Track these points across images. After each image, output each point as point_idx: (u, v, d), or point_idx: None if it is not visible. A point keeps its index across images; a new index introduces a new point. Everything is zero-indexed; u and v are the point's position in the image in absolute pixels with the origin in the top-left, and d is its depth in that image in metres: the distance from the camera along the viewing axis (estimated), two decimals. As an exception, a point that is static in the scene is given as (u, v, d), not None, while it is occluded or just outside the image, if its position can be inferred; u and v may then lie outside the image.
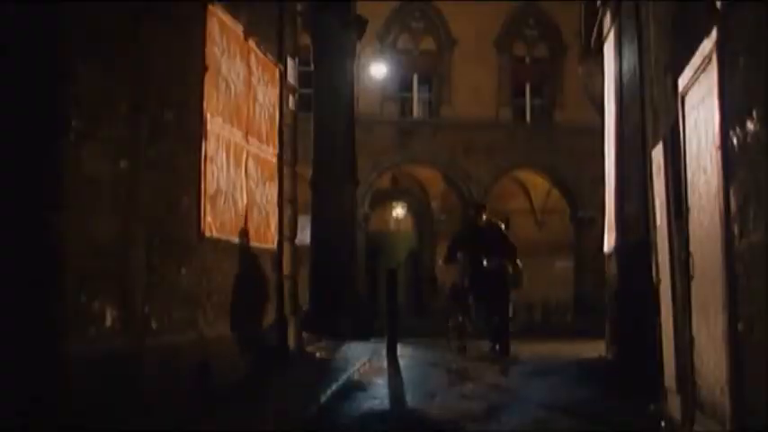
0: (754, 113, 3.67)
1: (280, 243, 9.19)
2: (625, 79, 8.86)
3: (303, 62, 11.86)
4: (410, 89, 25.56)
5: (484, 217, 11.15)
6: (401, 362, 9.87)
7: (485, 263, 10.52)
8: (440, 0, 24.58)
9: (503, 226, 11.50)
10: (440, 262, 14.80)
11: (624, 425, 6.14)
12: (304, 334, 10.55)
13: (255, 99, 8.31)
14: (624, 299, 9.09)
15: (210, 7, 7.05)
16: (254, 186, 8.21)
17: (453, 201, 25.89)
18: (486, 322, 10.71)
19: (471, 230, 11.12)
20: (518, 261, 11.07)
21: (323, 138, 14.87)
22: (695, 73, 4.85)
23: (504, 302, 10.53)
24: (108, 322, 5.12)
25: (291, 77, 9.88)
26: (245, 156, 7.92)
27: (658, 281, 6.63)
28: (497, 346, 10.43)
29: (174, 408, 5.71)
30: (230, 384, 6.89)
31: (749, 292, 3.87)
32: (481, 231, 10.87)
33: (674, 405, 5.91)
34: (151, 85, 5.87)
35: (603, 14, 10.76)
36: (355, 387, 7.69)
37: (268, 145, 8.78)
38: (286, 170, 9.49)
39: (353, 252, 15.99)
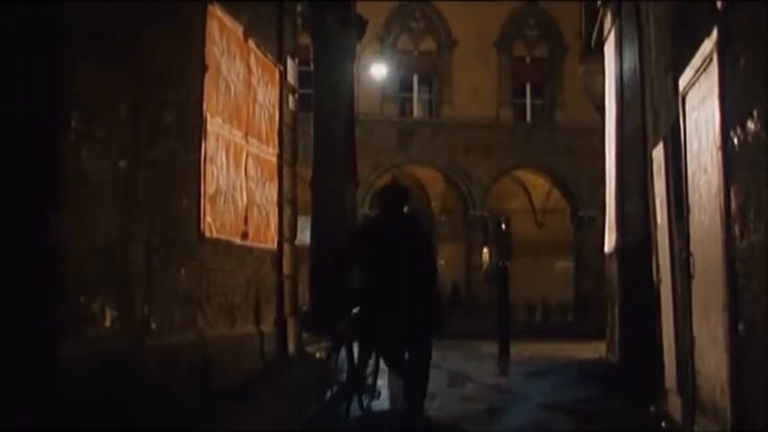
0: (755, 113, 3.67)
1: (279, 243, 9.18)
2: (625, 79, 8.85)
3: (303, 62, 11.85)
4: (410, 89, 25.56)
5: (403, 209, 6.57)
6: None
7: (398, 280, 6.16)
8: (440, 0, 24.58)
9: (422, 225, 6.99)
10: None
11: (624, 425, 6.14)
12: (304, 334, 10.54)
13: (255, 99, 8.31)
14: (625, 299, 9.09)
15: (210, 7, 7.05)
16: (253, 186, 8.21)
17: (453, 201, 25.90)
18: (395, 368, 6.64)
19: (379, 228, 6.52)
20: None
21: (323, 138, 14.86)
22: (696, 73, 4.85)
23: (425, 344, 6.37)
24: (108, 322, 5.12)
25: (291, 77, 9.88)
26: (244, 156, 7.92)
27: (659, 281, 6.63)
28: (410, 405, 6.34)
29: (174, 408, 5.70)
30: (230, 385, 6.88)
31: (750, 292, 3.86)
32: (395, 230, 6.37)
33: (675, 405, 5.91)
34: (151, 85, 5.87)
35: (604, 14, 10.77)
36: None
37: (268, 145, 8.78)
38: (286, 170, 9.49)
39: (353, 252, 15.91)
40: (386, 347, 6.45)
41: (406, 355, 6.39)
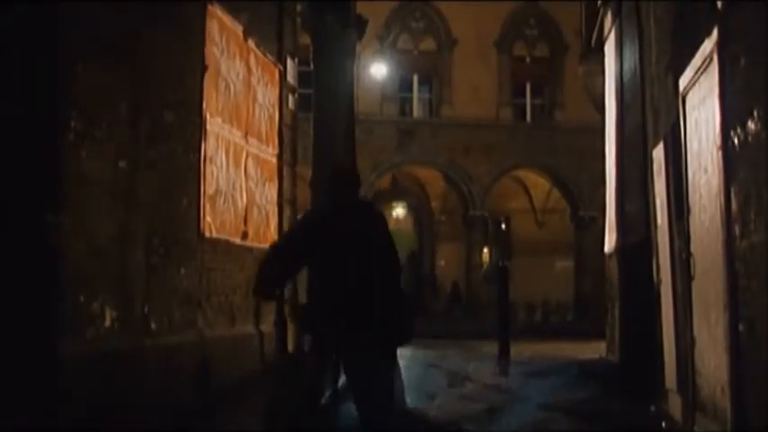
0: (755, 113, 3.67)
1: (280, 243, 9.17)
2: (626, 79, 8.85)
3: (303, 62, 11.84)
4: (410, 89, 25.55)
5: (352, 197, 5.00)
6: (400, 363, 9.83)
7: (357, 287, 4.73)
8: (440, 0, 24.57)
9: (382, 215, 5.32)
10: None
11: (624, 425, 6.13)
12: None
13: (255, 99, 8.31)
14: (625, 299, 9.08)
15: (210, 7, 7.04)
16: (253, 186, 8.21)
17: (453, 201, 25.89)
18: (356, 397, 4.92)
19: (331, 221, 4.87)
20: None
21: (323, 138, 14.83)
22: (696, 73, 4.85)
23: (384, 370, 4.98)
24: (107, 322, 5.12)
25: (291, 77, 9.87)
26: (244, 156, 7.91)
27: (659, 281, 6.62)
28: None
29: (173, 408, 5.70)
30: (229, 385, 6.88)
31: (750, 293, 3.86)
32: (351, 224, 4.85)
33: (675, 405, 5.91)
34: (151, 85, 5.87)
35: (604, 14, 10.77)
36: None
37: (267, 145, 8.77)
38: (285, 170, 9.48)
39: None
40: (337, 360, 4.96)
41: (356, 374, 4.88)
